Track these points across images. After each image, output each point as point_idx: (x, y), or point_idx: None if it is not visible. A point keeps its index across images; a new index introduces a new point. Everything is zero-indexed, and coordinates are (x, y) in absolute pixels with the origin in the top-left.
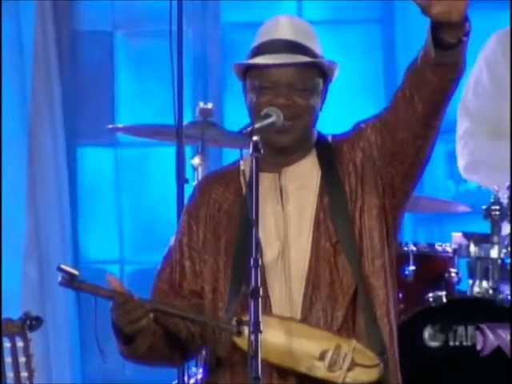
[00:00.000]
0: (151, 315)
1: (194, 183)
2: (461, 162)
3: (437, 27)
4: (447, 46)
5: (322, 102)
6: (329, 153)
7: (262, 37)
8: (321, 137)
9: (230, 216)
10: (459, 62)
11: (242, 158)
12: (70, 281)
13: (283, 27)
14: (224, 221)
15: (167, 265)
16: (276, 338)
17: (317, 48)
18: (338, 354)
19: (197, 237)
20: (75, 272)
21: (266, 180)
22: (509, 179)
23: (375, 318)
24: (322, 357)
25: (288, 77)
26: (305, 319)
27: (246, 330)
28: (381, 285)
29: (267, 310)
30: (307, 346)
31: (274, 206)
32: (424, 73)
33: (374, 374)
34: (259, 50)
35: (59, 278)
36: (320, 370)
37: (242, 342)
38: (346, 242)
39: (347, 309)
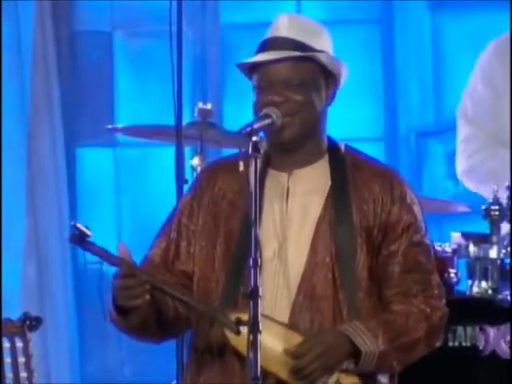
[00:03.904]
0: (147, 297)
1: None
2: (459, 167)
3: None
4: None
5: (328, 101)
6: (341, 163)
7: (266, 36)
8: (332, 143)
9: (233, 206)
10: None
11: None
12: (80, 239)
13: (281, 25)
14: (226, 210)
15: (162, 240)
16: (266, 341)
17: (319, 44)
18: None
19: (197, 220)
20: (88, 232)
21: (275, 178)
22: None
23: None
24: None
25: (283, 73)
26: (291, 326)
27: (242, 329)
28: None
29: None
30: None
31: (279, 205)
32: None
33: None
34: (259, 49)
35: (69, 234)
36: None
37: (235, 340)
38: (345, 258)
39: (334, 324)
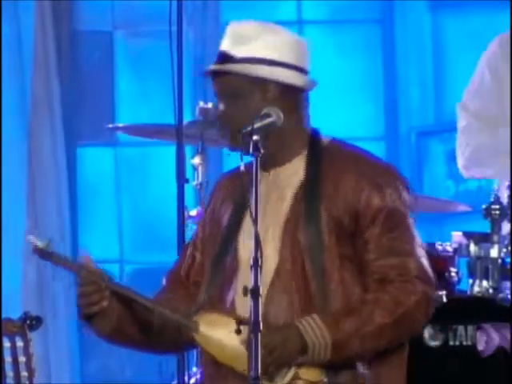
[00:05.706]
0: (105, 303)
1: (194, 183)
2: (461, 160)
3: None
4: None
5: (290, 110)
6: (318, 157)
7: None
8: (316, 137)
9: (228, 210)
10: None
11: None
12: (38, 251)
13: (225, 37)
14: (224, 215)
15: (185, 253)
16: (221, 335)
17: (249, 51)
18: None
19: (204, 229)
20: (40, 245)
21: (261, 179)
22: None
23: None
24: None
25: (220, 85)
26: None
27: (201, 327)
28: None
29: (231, 306)
30: None
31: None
32: None
33: None
34: None
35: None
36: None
37: (201, 339)
38: (314, 250)
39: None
